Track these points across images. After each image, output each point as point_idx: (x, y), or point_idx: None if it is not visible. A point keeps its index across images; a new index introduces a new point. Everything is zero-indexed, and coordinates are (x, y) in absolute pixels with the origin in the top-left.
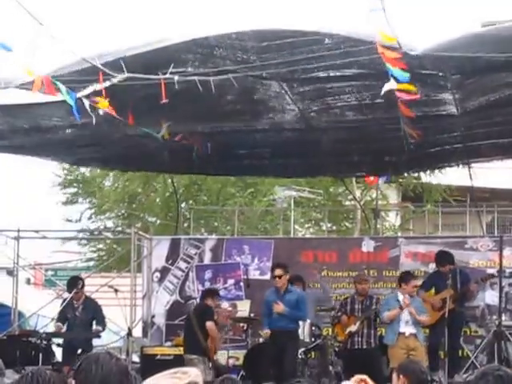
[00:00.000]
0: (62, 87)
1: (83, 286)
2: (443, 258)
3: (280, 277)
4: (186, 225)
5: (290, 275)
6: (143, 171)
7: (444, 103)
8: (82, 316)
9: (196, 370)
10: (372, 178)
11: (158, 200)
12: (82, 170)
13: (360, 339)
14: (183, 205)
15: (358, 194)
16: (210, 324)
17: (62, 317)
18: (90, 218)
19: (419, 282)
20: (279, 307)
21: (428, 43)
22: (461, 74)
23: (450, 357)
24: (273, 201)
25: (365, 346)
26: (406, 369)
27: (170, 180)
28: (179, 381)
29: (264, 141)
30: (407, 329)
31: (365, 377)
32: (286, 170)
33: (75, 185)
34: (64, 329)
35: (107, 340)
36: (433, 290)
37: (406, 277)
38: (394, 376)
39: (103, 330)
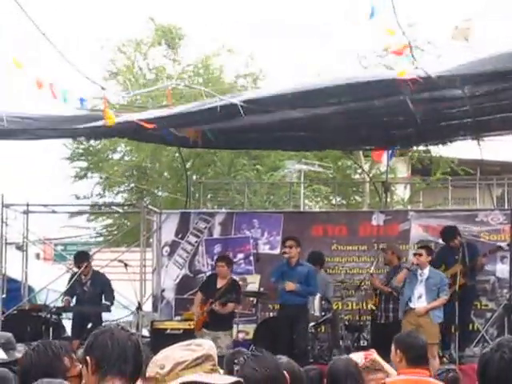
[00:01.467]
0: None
1: (88, 260)
2: (450, 232)
3: (291, 247)
4: (196, 196)
5: (311, 251)
6: (150, 142)
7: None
8: (90, 290)
9: (210, 343)
10: (377, 153)
11: (166, 174)
12: (91, 141)
13: (380, 313)
14: (193, 178)
15: (366, 167)
16: None
17: (70, 292)
18: (98, 194)
19: (421, 251)
20: (291, 285)
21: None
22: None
23: (460, 330)
24: (282, 177)
25: (382, 321)
26: (402, 342)
27: (179, 151)
28: (193, 353)
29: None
30: (419, 304)
31: (372, 350)
32: (295, 144)
33: (84, 158)
34: (73, 303)
35: (117, 315)
36: (442, 267)
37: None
38: (393, 349)
39: (111, 304)
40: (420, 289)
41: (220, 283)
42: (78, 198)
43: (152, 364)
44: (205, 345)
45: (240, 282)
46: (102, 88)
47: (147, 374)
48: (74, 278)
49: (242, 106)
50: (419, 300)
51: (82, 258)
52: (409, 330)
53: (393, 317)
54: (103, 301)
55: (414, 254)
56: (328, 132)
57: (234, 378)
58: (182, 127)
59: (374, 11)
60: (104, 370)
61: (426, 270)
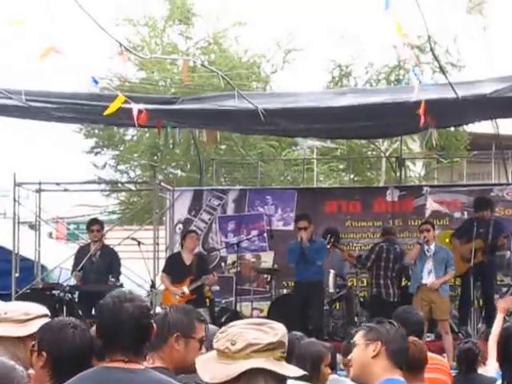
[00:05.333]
0: None
1: (102, 228)
2: (484, 202)
3: (306, 229)
4: (208, 175)
5: (325, 228)
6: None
7: None
8: (98, 262)
9: (284, 328)
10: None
11: (178, 151)
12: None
13: (384, 290)
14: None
15: (382, 147)
16: None
17: (78, 265)
18: (112, 167)
19: (428, 226)
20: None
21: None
22: None
23: (485, 308)
24: (297, 155)
25: (396, 299)
26: (399, 318)
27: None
28: (267, 336)
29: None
30: (429, 280)
31: None
32: (309, 132)
33: (96, 134)
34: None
35: None
36: (464, 239)
37: None
38: None
39: (117, 280)
40: (429, 264)
41: (188, 260)
42: (96, 166)
43: (221, 336)
44: (279, 330)
45: (253, 260)
46: (121, 45)
47: (215, 346)
48: (85, 249)
49: (262, 113)
50: (429, 275)
51: (96, 221)
52: (422, 306)
53: (394, 295)
54: (110, 276)
55: (422, 231)
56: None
57: (302, 371)
58: (192, 127)
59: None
60: (106, 345)
61: (433, 246)
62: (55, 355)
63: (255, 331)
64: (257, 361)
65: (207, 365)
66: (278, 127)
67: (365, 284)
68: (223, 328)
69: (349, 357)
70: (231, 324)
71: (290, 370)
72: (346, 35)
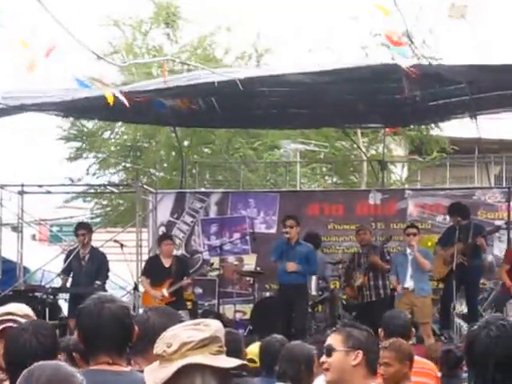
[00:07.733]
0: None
1: (90, 231)
2: (452, 209)
3: (292, 227)
4: (191, 179)
5: (306, 232)
6: (146, 124)
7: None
8: (87, 266)
9: (218, 324)
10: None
11: (162, 153)
12: (85, 122)
13: (368, 292)
14: (190, 157)
15: (363, 148)
16: None
17: (68, 269)
18: (94, 174)
19: (415, 230)
20: (292, 266)
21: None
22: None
23: (469, 313)
24: (279, 157)
25: (374, 298)
26: (383, 321)
27: (174, 131)
28: (200, 333)
29: (271, 92)
30: (411, 283)
31: None
32: (293, 121)
33: (79, 139)
34: (69, 280)
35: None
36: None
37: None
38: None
39: (103, 283)
40: (410, 268)
41: (167, 262)
42: (72, 180)
43: (160, 341)
44: (212, 326)
45: (236, 262)
46: (98, 57)
47: (154, 351)
48: (74, 253)
49: (239, 80)
50: (411, 279)
51: (82, 225)
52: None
53: (383, 293)
54: (96, 280)
55: (408, 234)
56: (325, 108)
57: (239, 361)
58: (174, 98)
59: None
60: (89, 347)
61: (416, 250)
62: (9, 360)
63: (190, 331)
64: (192, 358)
65: (152, 373)
66: (255, 100)
67: None
68: (162, 333)
69: (322, 359)
70: (169, 329)
71: (227, 362)
72: (318, 39)
